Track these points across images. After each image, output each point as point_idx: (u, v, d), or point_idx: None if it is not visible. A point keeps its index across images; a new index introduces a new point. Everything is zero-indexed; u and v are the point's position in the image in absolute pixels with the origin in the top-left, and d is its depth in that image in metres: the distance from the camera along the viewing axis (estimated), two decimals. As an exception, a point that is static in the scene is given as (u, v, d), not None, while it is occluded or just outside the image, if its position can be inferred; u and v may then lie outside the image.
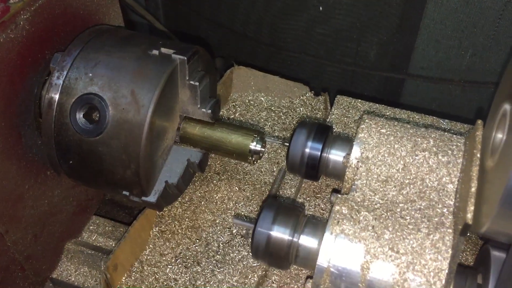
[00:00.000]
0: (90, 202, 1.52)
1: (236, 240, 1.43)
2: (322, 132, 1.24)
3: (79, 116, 1.19)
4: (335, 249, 0.97)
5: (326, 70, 2.04)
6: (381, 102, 1.71)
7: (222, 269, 1.38)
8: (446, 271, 0.91)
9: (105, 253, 1.45)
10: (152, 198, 1.24)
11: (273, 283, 1.34)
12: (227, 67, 1.87)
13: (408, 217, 0.98)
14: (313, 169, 1.24)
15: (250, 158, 1.27)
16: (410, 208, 1.01)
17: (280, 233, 1.05)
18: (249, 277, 1.35)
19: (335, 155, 1.23)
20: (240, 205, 1.51)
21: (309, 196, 1.47)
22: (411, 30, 1.83)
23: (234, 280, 1.35)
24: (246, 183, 1.55)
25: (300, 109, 1.77)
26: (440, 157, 1.07)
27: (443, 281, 0.91)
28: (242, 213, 1.49)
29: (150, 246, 1.44)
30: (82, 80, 1.19)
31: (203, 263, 1.39)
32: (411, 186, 1.05)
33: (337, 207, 1.01)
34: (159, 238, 1.45)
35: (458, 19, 1.73)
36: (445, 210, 1.00)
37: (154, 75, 1.16)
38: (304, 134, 1.24)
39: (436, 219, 0.98)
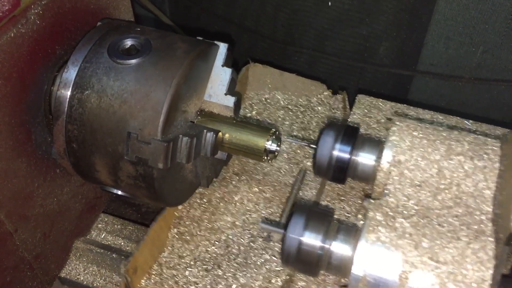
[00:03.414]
0: (99, 200, 1.49)
1: (257, 243, 1.39)
2: (351, 134, 1.20)
3: None
4: (371, 258, 0.93)
5: (334, 66, 2.02)
6: (389, 98, 1.69)
7: (244, 273, 1.33)
8: (489, 282, 0.88)
9: (114, 252, 1.43)
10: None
11: None
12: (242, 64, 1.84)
13: (445, 225, 0.95)
14: (341, 172, 1.20)
15: (265, 157, 1.25)
16: (447, 214, 0.98)
17: (312, 240, 1.02)
18: (273, 281, 1.31)
19: (364, 158, 1.19)
20: (260, 206, 1.46)
21: (333, 199, 1.43)
22: (421, 26, 1.81)
23: (257, 285, 1.31)
24: (266, 184, 1.51)
25: (318, 108, 1.73)
26: (476, 162, 1.03)
27: None
28: (263, 215, 1.44)
29: (169, 248, 1.40)
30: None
31: (224, 266, 1.35)
32: (447, 191, 1.01)
33: (371, 213, 0.98)
34: (177, 240, 1.41)
35: (469, 15, 1.72)
36: (483, 217, 0.97)
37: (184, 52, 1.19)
38: (332, 136, 1.20)
39: (475, 227, 0.95)
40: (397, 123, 1.12)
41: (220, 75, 1.26)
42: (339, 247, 1.01)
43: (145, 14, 2.24)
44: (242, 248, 1.39)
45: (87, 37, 1.22)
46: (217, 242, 1.40)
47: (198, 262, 1.37)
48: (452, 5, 1.72)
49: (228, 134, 1.25)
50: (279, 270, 1.33)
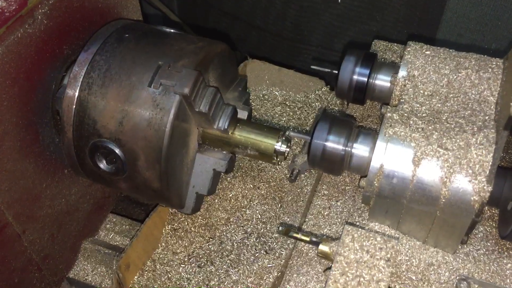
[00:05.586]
0: (107, 200, 1.48)
1: (251, 239, 1.40)
2: (369, 59, 1.28)
3: None
4: (389, 148, 1.04)
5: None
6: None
7: (236, 269, 1.34)
8: (490, 163, 0.99)
9: (123, 252, 1.42)
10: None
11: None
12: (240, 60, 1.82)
13: (453, 123, 1.07)
14: (360, 92, 1.28)
15: (275, 159, 1.23)
16: (454, 116, 1.09)
17: (334, 144, 1.13)
18: (265, 278, 1.32)
19: (381, 80, 1.27)
20: (254, 203, 1.46)
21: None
22: (432, 23, 1.79)
23: (249, 281, 1.32)
24: (261, 181, 1.51)
25: (315, 104, 1.71)
26: (481, 74, 1.15)
27: (487, 172, 0.98)
28: (257, 211, 1.44)
29: (163, 244, 1.41)
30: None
31: (217, 263, 1.36)
32: (455, 99, 1.13)
33: (389, 114, 1.09)
34: (171, 236, 1.42)
35: (481, 12, 1.69)
36: (487, 117, 1.08)
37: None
38: (352, 61, 1.28)
39: (479, 123, 1.06)
40: (411, 45, 1.24)
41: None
42: (358, 149, 1.13)
43: (153, 12, 2.23)
44: (235, 244, 1.39)
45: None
46: (211, 239, 1.40)
47: (191, 259, 1.37)
48: (464, 1, 1.69)
49: (238, 134, 1.23)
50: (271, 266, 1.34)
